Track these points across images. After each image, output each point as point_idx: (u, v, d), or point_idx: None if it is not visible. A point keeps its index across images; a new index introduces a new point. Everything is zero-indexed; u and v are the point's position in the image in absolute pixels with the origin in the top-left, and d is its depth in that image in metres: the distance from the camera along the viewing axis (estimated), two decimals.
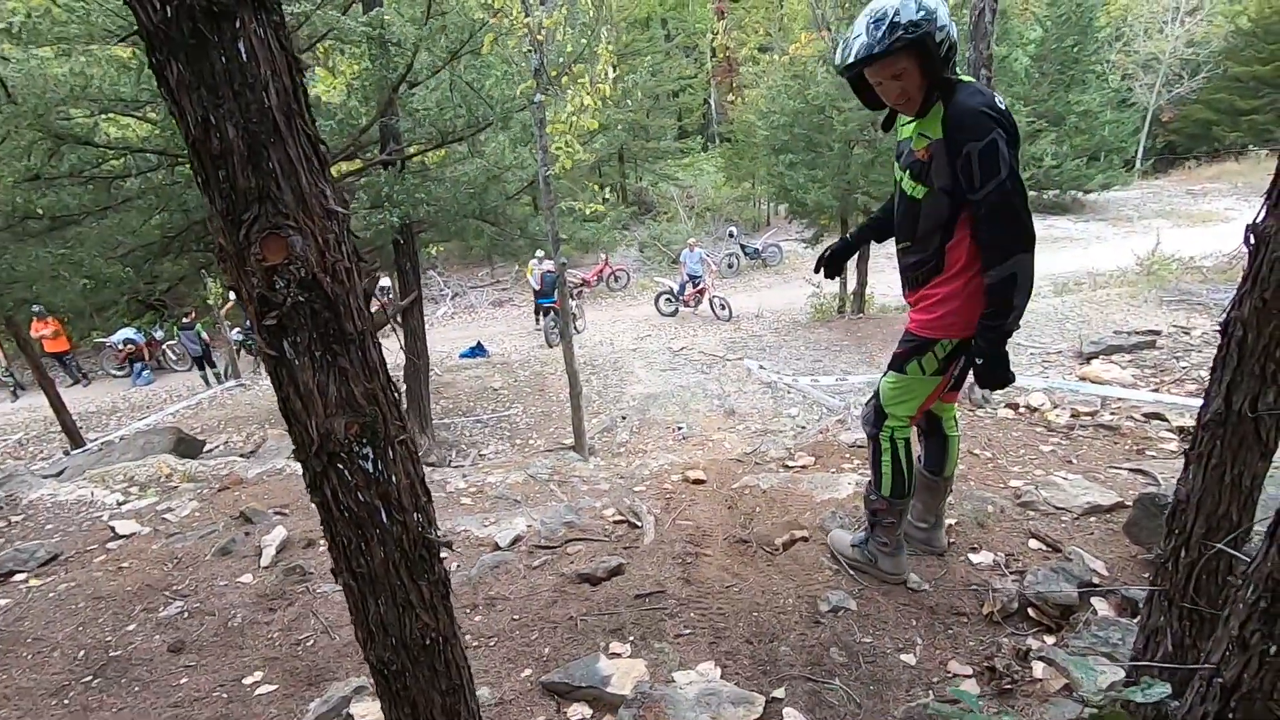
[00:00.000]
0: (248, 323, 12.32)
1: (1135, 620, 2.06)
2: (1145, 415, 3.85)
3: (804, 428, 8.39)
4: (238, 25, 0.69)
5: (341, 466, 0.91)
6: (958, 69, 1.94)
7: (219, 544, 3.18)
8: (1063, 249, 16.35)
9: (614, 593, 2.51)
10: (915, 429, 2.38)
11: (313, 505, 1.01)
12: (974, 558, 2.50)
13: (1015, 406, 4.18)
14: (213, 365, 13.30)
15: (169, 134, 5.97)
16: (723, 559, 2.70)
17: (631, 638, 2.27)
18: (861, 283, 12.86)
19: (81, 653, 2.48)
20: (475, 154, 8.45)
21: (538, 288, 13.85)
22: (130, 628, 2.64)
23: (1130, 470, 3.16)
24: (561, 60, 5.69)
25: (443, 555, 1.12)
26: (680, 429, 8.95)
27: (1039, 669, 1.90)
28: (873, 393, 2.28)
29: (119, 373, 14.08)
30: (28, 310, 8.89)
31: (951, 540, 2.59)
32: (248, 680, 2.29)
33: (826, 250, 2.50)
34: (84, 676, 2.36)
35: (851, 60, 1.85)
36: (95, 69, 5.48)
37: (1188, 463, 1.41)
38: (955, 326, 2.01)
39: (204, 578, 2.97)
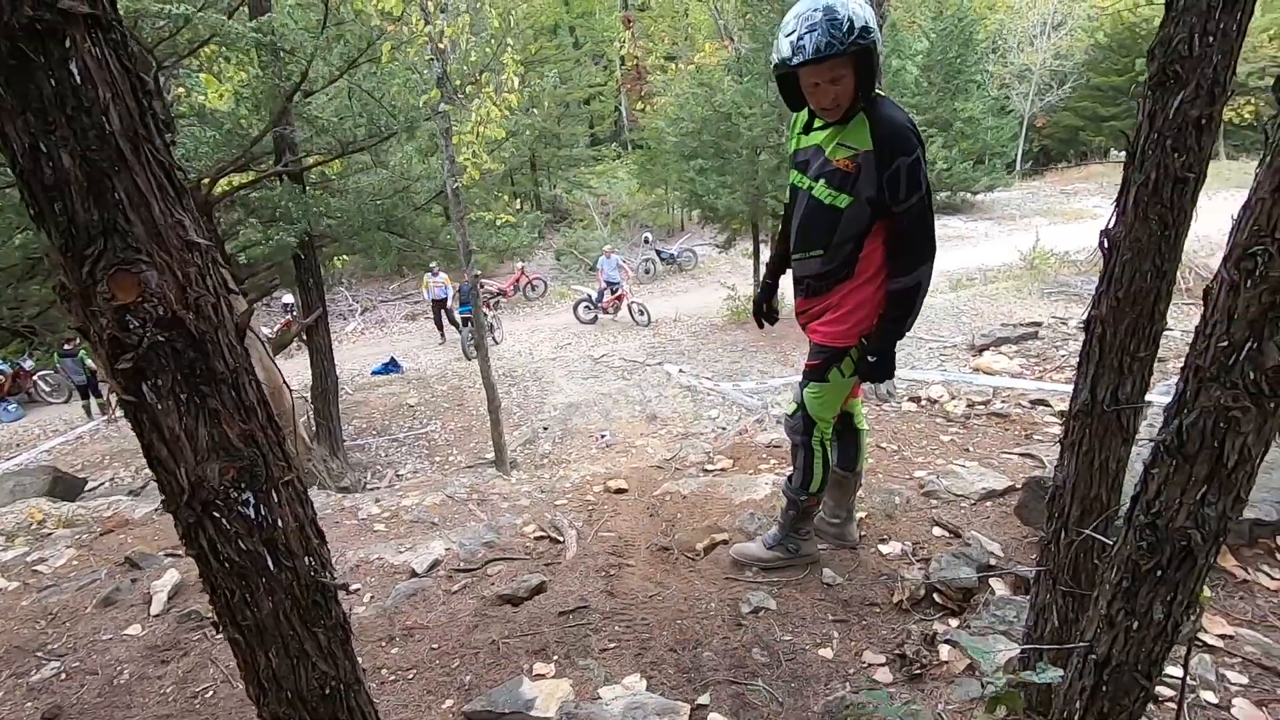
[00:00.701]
0: None
1: (1028, 597, 2.21)
2: (1031, 402, 4.15)
3: (724, 429, 8.55)
4: (68, 45, 0.63)
5: (218, 515, 0.84)
6: None
7: (101, 594, 2.92)
8: (955, 247, 17.43)
9: (537, 612, 2.47)
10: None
11: None
12: (884, 548, 2.61)
13: (918, 399, 4.41)
14: (98, 394, 12.22)
15: None
16: (646, 568, 2.71)
17: (556, 657, 2.23)
18: None
19: None
20: (379, 164, 8.16)
21: (434, 299, 13.88)
22: None
23: (1020, 455, 3.39)
24: (466, 70, 5.58)
25: (343, 597, 1.06)
26: (603, 436, 8.93)
27: (945, 652, 2.00)
28: (796, 405, 2.34)
29: None
30: None
31: (863, 533, 2.69)
32: None
33: (757, 303, 2.60)
34: None
35: (810, 55, 1.81)
36: None
37: (1063, 451, 1.52)
38: (864, 331, 2.11)
39: (84, 633, 2.71)
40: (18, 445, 11.19)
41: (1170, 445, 0.80)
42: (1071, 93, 25.79)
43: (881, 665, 2.04)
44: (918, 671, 1.95)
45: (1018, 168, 24.32)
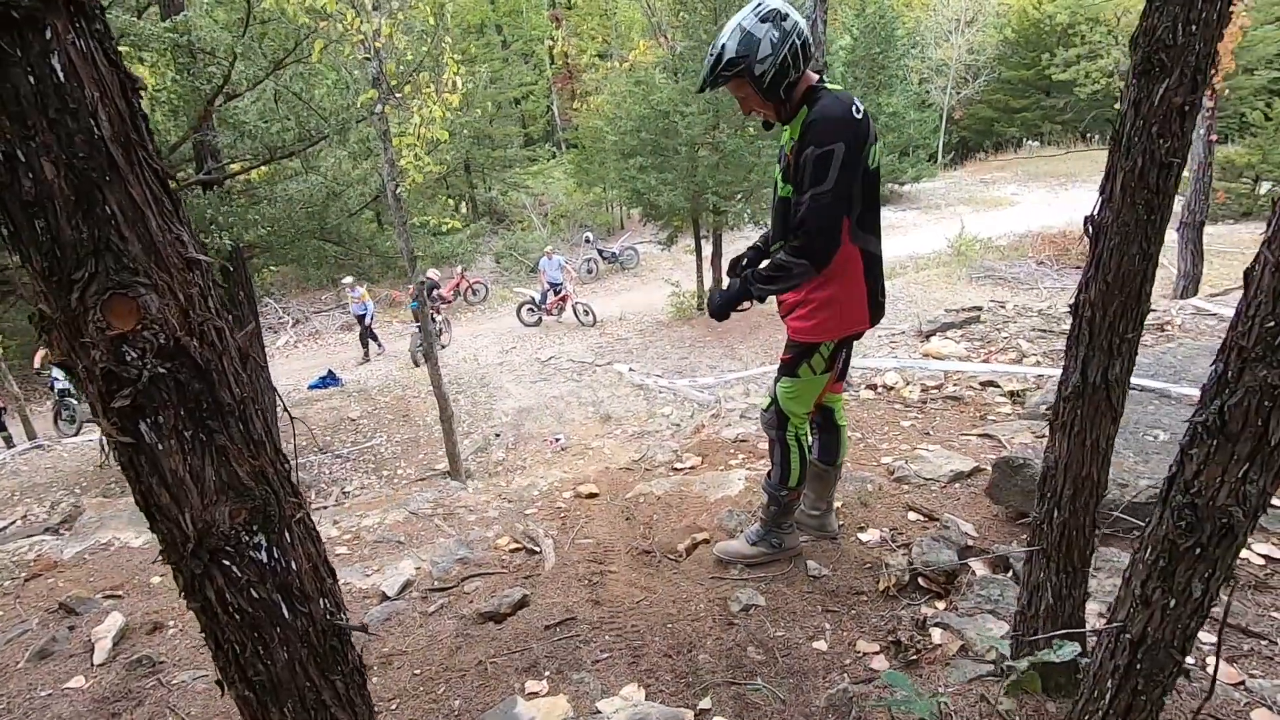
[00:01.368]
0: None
1: (1009, 575, 2.27)
2: (981, 384, 4.30)
3: (679, 425, 8.57)
4: (49, 37, 0.54)
5: (229, 562, 0.75)
6: (824, 77, 2.05)
7: (35, 646, 2.67)
8: (888, 236, 17.85)
9: (522, 627, 2.39)
10: (811, 424, 2.49)
11: (153, 582, 0.83)
12: (863, 536, 2.64)
13: (874, 387, 4.51)
14: (2, 429, 11.27)
15: None
16: (629, 573, 2.66)
17: (548, 673, 2.16)
18: (717, 279, 13.39)
19: None
20: (310, 170, 7.80)
21: (362, 313, 13.25)
22: None
23: (978, 436, 3.50)
24: (402, 69, 5.38)
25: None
26: (558, 440, 8.82)
27: (937, 635, 2.04)
28: (769, 399, 2.34)
29: None
30: None
31: (841, 523, 2.72)
32: None
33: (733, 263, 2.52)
34: None
35: (697, 89, 2.13)
36: None
37: (1053, 432, 1.56)
38: (836, 328, 2.12)
39: (18, 690, 2.47)
40: None
41: (1212, 425, 0.82)
42: (985, 86, 27.05)
43: (876, 653, 2.06)
44: (913, 657, 1.98)
45: (939, 159, 25.31)
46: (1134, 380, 3.51)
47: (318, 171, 7.63)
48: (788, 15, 1.93)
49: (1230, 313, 4.72)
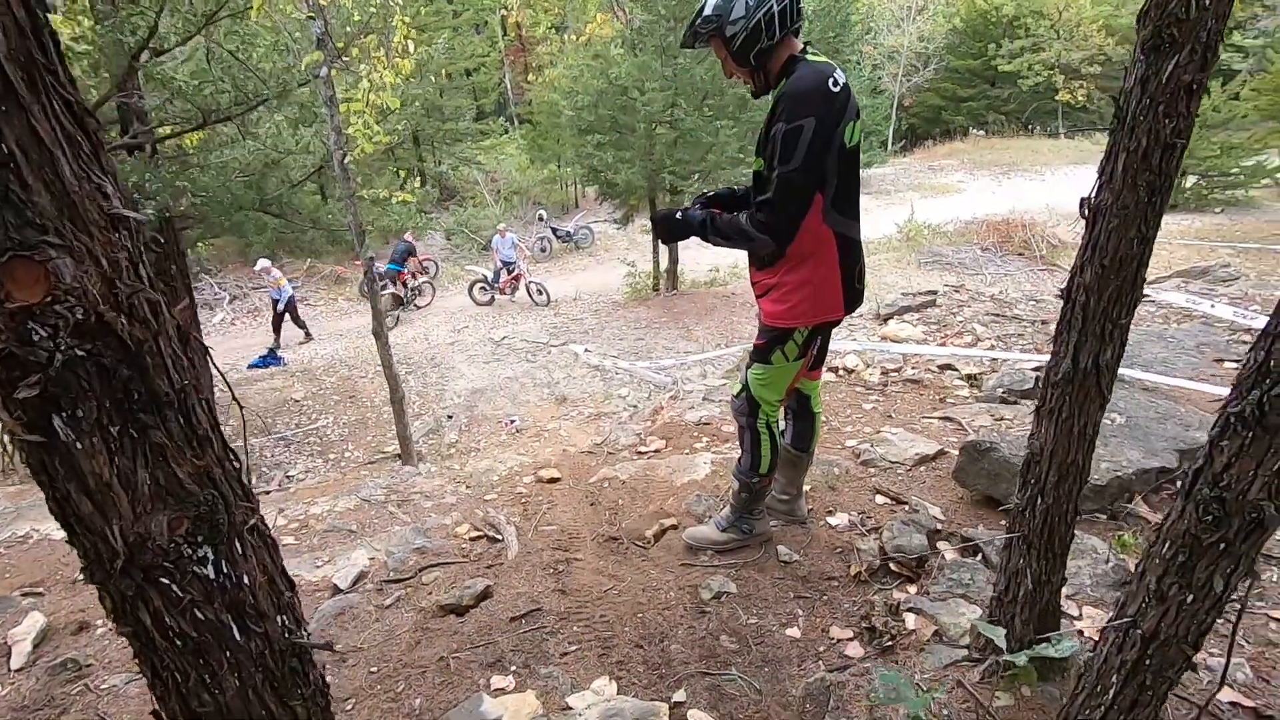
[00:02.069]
0: None
1: (978, 559, 2.28)
2: (940, 367, 4.36)
3: (636, 407, 8.52)
4: None
5: (167, 580, 0.64)
6: (809, 47, 1.97)
7: None
8: None
9: (485, 620, 2.29)
10: (786, 410, 2.44)
11: (79, 577, 0.71)
12: (833, 520, 2.63)
13: (835, 369, 4.52)
14: None
15: None
16: (596, 561, 2.59)
17: (514, 667, 2.07)
18: (674, 260, 13.32)
19: None
20: (248, 136, 7.34)
21: (277, 298, 12.27)
22: None
23: (939, 419, 3.54)
24: (349, 30, 5.07)
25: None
26: (512, 422, 8.65)
27: (911, 620, 2.03)
28: (740, 386, 2.28)
29: None
30: None
31: (810, 507, 2.70)
32: None
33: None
34: None
35: (681, 44, 2.05)
36: None
37: (1039, 417, 1.54)
38: (809, 313, 2.06)
39: None
40: None
41: (1249, 417, 0.78)
42: (934, 75, 27.57)
43: (850, 640, 2.05)
44: (888, 643, 1.97)
45: (890, 145, 25.73)
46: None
47: (255, 138, 7.18)
48: None
49: (1171, 298, 4.87)
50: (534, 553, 2.68)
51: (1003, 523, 2.28)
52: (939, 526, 2.45)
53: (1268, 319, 0.80)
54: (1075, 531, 2.30)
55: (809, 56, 1.92)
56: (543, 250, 17.53)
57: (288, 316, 12.69)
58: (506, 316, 13.61)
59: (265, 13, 6.17)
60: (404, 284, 13.62)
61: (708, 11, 1.89)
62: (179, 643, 0.67)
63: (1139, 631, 0.93)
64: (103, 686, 2.20)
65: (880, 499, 2.73)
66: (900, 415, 3.69)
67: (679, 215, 2.10)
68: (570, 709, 1.85)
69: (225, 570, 0.68)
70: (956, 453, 2.98)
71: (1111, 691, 1.01)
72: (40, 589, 2.87)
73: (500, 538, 2.84)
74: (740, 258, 2.21)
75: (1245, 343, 4.22)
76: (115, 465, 0.57)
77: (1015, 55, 25.98)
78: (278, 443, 9.59)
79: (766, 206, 1.90)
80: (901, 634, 1.99)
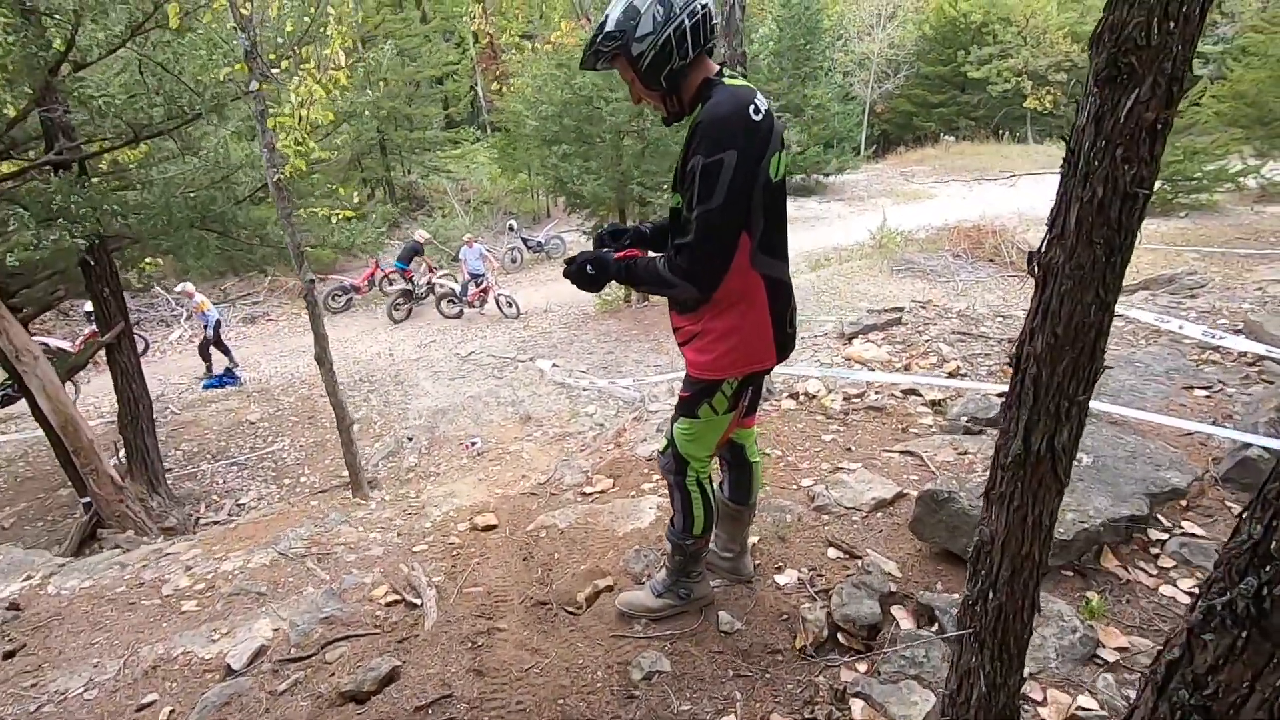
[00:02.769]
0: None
1: (934, 629, 2.07)
2: (904, 391, 4.17)
3: (603, 425, 8.28)
4: None
5: None
6: (724, 70, 1.75)
7: None
8: (812, 228, 18.19)
9: (387, 709, 2.03)
10: (721, 460, 2.22)
11: None
12: (780, 579, 2.40)
13: (796, 396, 4.32)
14: None
15: None
16: (520, 632, 2.33)
17: None
18: None
19: None
20: (189, 151, 6.99)
21: (205, 323, 11.59)
22: None
23: (900, 453, 3.34)
24: (282, 42, 4.78)
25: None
26: (474, 444, 8.36)
27: (857, 709, 1.80)
28: (666, 441, 2.05)
29: None
30: None
31: (757, 562, 2.48)
32: None
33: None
34: None
35: (583, 61, 1.76)
36: None
37: (988, 502, 1.32)
38: (738, 363, 1.83)
39: None
40: None
41: (1242, 613, 0.56)
42: (905, 81, 27.75)
43: None
44: None
45: (862, 151, 25.82)
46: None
47: (196, 154, 6.84)
48: None
49: (1139, 314, 4.73)
50: (453, 621, 2.42)
51: (959, 596, 2.07)
52: (893, 588, 2.23)
53: (1255, 439, 0.58)
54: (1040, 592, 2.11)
55: (726, 80, 1.70)
56: (513, 261, 17.24)
57: (213, 341, 11.77)
58: (475, 330, 13.30)
59: (201, 23, 5.87)
60: (410, 280, 14.03)
61: (610, 27, 1.65)
62: None
63: None
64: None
65: (833, 553, 2.51)
66: (861, 448, 3.49)
67: (590, 270, 1.82)
68: None
69: None
70: (915, 495, 2.78)
71: None
72: None
73: (419, 602, 2.58)
74: None
75: (1214, 363, 4.09)
76: None
77: (984, 62, 26.23)
78: (230, 467, 9.20)
79: (686, 251, 1.67)
80: None
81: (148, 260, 8.41)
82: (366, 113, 8.46)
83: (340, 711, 2.07)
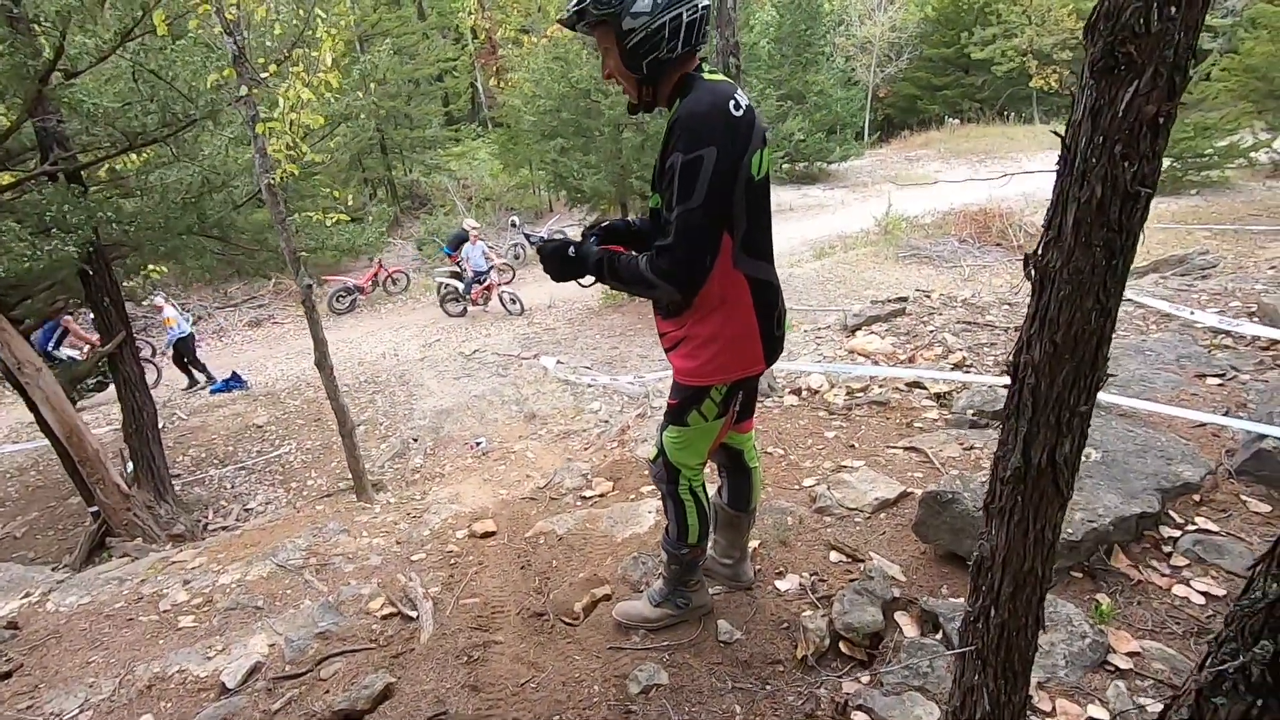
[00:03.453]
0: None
1: (938, 637, 2.01)
2: (908, 384, 4.09)
3: (608, 421, 8.24)
4: None
5: None
6: (703, 65, 1.68)
7: None
8: (815, 216, 18.04)
9: None
10: (715, 465, 2.16)
11: None
12: (781, 584, 2.35)
13: (799, 392, 4.25)
14: None
15: None
16: (517, 644, 2.29)
17: None
18: None
19: None
20: (185, 157, 6.96)
21: (171, 338, 11.41)
22: None
23: (905, 449, 3.27)
24: (270, 45, 4.73)
25: None
26: (479, 444, 8.34)
27: None
28: (656, 450, 1.99)
29: None
30: None
31: (757, 567, 2.43)
32: None
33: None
34: None
35: (564, 14, 1.62)
36: None
37: (988, 516, 1.26)
38: (724, 369, 1.78)
39: None
40: None
41: (1258, 681, 0.50)
42: (908, 64, 27.40)
43: None
44: None
45: (866, 137, 25.55)
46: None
47: (194, 160, 6.81)
48: None
49: (1149, 300, 4.63)
50: (449, 634, 2.38)
51: (963, 601, 2.00)
52: (896, 593, 2.17)
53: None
54: (1044, 609, 2.04)
55: (706, 75, 1.63)
56: (516, 257, 17.19)
57: (191, 354, 11.52)
58: (479, 328, 13.27)
59: (189, 29, 5.83)
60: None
61: None
62: None
63: None
64: None
65: (835, 556, 2.45)
66: (864, 444, 3.42)
67: (571, 252, 1.78)
68: None
69: None
70: (919, 494, 2.72)
71: None
72: None
73: (415, 614, 2.54)
74: None
75: (1227, 348, 3.99)
76: None
77: (988, 42, 25.86)
78: (238, 472, 9.23)
79: (666, 252, 1.61)
80: None
81: (151, 268, 8.43)
82: (364, 115, 8.38)
83: None
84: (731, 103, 1.55)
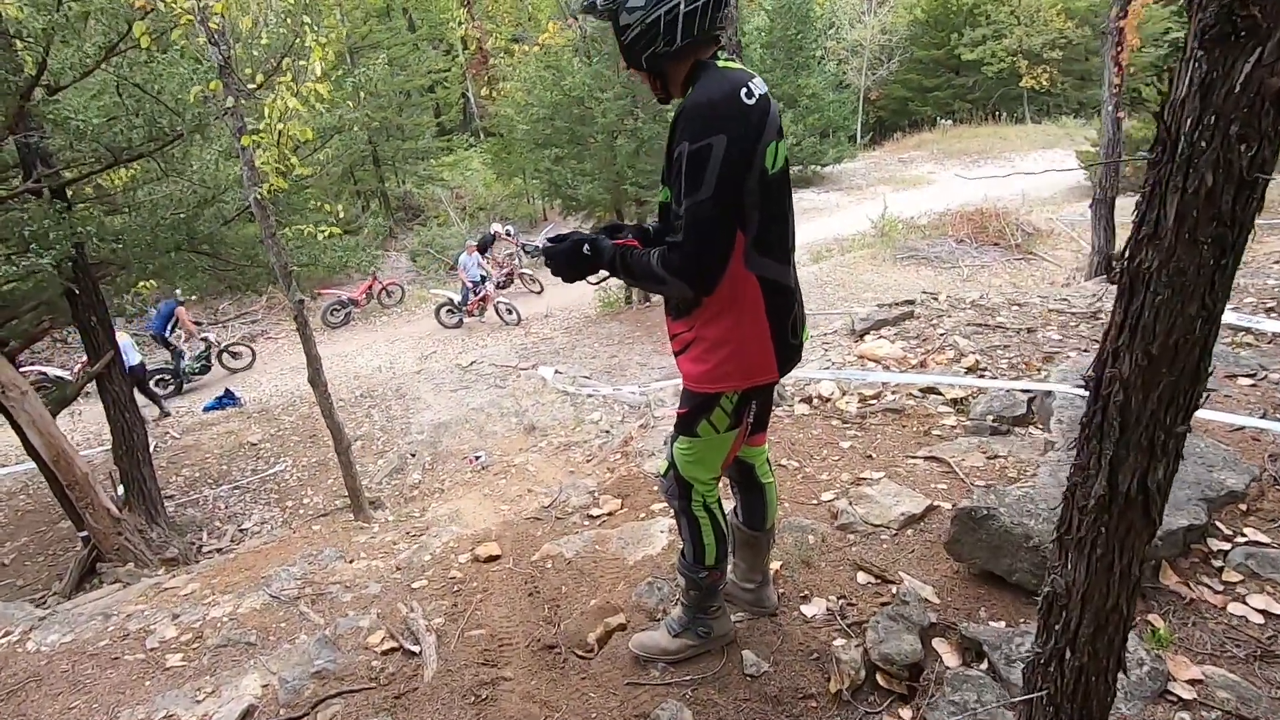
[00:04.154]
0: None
1: (983, 667, 1.87)
2: (923, 390, 3.96)
3: (609, 432, 8.10)
4: None
5: None
6: (719, 53, 1.56)
7: None
8: (811, 219, 17.97)
9: None
10: (730, 482, 2.03)
11: None
12: (807, 610, 2.21)
13: (810, 400, 4.12)
14: None
15: None
16: (527, 681, 2.14)
17: None
18: None
19: None
20: (173, 172, 6.82)
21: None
22: None
23: (925, 459, 3.14)
24: (258, 56, 4.60)
25: None
26: (479, 458, 8.18)
27: None
28: (666, 464, 1.86)
29: None
30: None
31: (781, 591, 2.28)
32: None
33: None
34: None
35: (575, 7, 1.50)
36: None
37: (1062, 548, 1.12)
38: (733, 376, 1.65)
39: None
40: None
41: None
42: (899, 67, 27.46)
43: None
44: None
45: (858, 139, 25.54)
46: (1073, 390, 3.23)
47: (182, 175, 6.67)
48: None
49: None
50: (455, 671, 2.23)
51: (1010, 624, 1.86)
52: (933, 618, 2.03)
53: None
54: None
55: (720, 62, 1.51)
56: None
57: (143, 384, 10.67)
58: (476, 339, 13.12)
59: (174, 42, 5.70)
60: (483, 268, 14.04)
61: None
62: None
63: None
64: None
65: (863, 577, 2.31)
66: (882, 454, 3.29)
67: (587, 249, 1.65)
68: None
69: None
70: (947, 508, 2.59)
71: None
72: None
73: (417, 650, 2.39)
74: None
75: (1249, 345, 3.88)
76: None
77: (978, 43, 25.92)
78: (232, 491, 9.04)
79: (678, 248, 1.50)
80: None
81: (141, 284, 8.26)
82: (356, 127, 8.26)
83: None
84: (744, 90, 1.44)
